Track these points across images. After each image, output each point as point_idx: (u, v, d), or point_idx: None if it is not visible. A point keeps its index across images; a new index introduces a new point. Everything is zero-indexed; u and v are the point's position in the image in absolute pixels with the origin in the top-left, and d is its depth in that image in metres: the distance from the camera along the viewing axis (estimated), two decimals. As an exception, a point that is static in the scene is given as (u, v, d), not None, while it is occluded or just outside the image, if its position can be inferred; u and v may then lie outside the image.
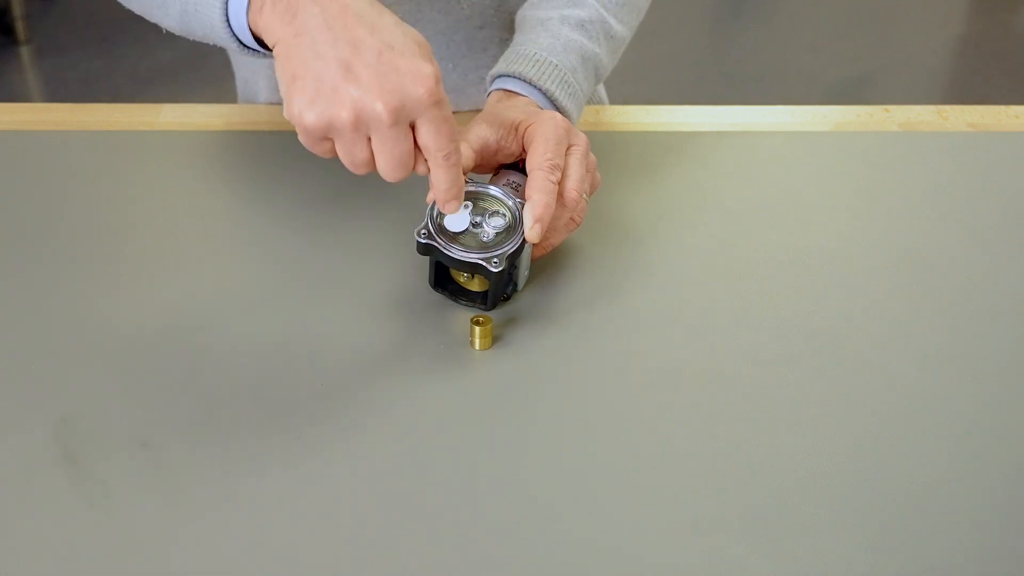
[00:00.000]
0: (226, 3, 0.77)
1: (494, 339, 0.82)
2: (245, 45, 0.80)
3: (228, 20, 0.78)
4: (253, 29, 0.77)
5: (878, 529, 0.69)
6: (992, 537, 0.69)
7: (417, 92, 0.72)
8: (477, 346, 0.81)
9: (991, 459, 0.74)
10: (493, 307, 0.84)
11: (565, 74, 0.90)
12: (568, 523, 0.69)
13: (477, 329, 0.80)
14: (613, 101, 1.20)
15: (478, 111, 0.98)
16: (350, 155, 0.75)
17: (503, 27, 1.06)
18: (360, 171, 0.76)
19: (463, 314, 0.84)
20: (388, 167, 0.74)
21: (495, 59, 1.09)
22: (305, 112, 0.72)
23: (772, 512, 0.70)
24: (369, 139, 0.74)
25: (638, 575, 0.66)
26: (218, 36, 0.80)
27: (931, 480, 0.72)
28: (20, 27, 3.04)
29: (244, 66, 1.16)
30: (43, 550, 0.67)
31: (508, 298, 0.85)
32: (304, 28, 0.72)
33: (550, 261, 0.89)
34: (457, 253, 0.80)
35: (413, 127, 0.74)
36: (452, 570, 0.66)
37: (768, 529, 0.69)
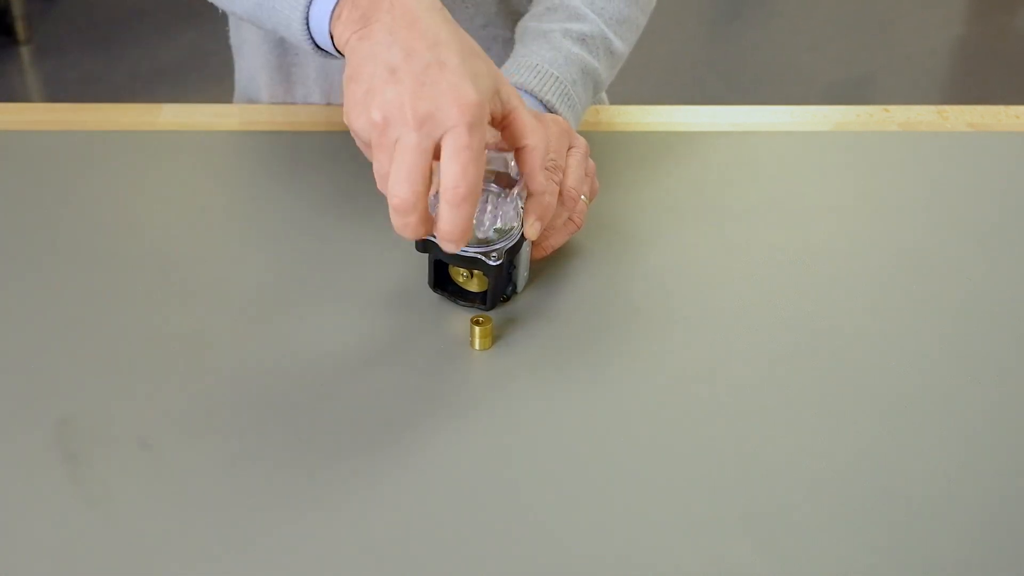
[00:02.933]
0: (308, 8, 0.77)
1: (494, 339, 0.82)
2: (319, 47, 0.80)
3: (308, 24, 0.78)
4: (332, 33, 0.77)
5: (878, 529, 0.69)
6: (993, 537, 0.69)
7: (449, 107, 0.70)
8: (477, 346, 0.81)
9: (991, 459, 0.74)
10: (492, 307, 0.84)
11: (566, 86, 0.91)
12: (568, 523, 0.69)
13: (477, 329, 0.80)
14: (613, 101, 1.20)
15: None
16: (377, 163, 0.73)
17: (506, 26, 1.06)
18: (383, 185, 0.73)
19: (463, 314, 0.84)
20: (397, 176, 0.70)
21: (498, 57, 1.09)
22: (348, 112, 0.73)
23: (772, 512, 0.70)
24: None
25: (639, 574, 0.66)
26: (292, 35, 0.80)
27: (932, 480, 0.72)
28: (20, 27, 3.04)
29: (247, 60, 1.16)
30: (43, 550, 0.67)
31: (507, 299, 0.85)
32: (368, 33, 0.73)
33: (550, 261, 0.89)
34: None
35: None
36: (451, 570, 0.66)
37: (768, 529, 0.69)
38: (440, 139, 0.71)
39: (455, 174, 0.70)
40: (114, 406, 0.76)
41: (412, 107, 0.70)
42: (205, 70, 2.88)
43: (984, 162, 1.03)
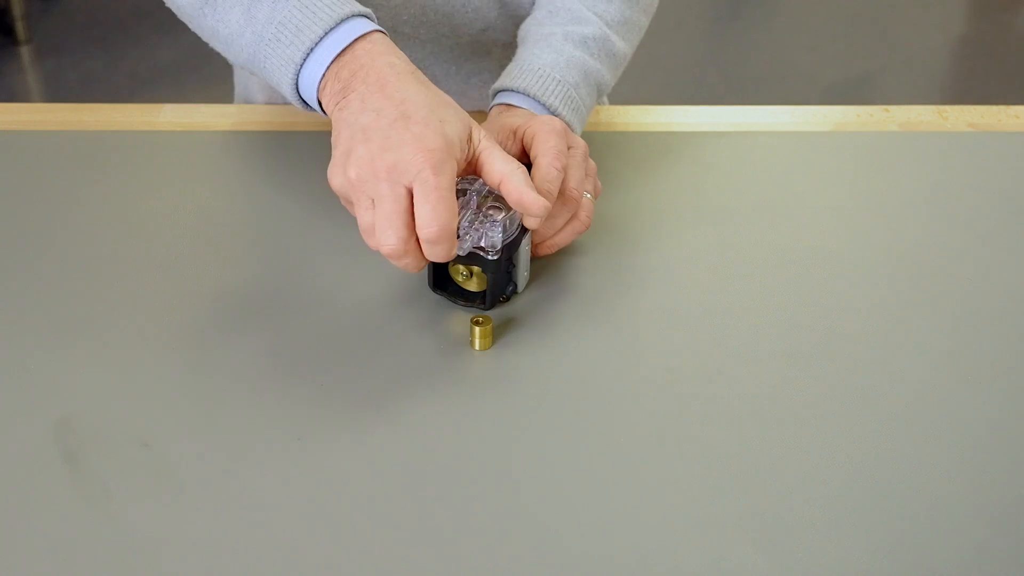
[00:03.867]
0: (296, 75, 0.82)
1: (494, 339, 0.82)
2: (306, 103, 0.85)
3: (297, 88, 0.83)
4: (320, 101, 0.82)
5: (878, 529, 0.69)
6: (993, 537, 0.69)
7: (413, 155, 0.74)
8: (477, 346, 0.81)
9: (991, 458, 0.74)
10: (492, 306, 0.84)
11: (568, 89, 0.91)
12: (568, 523, 0.69)
13: (477, 329, 0.80)
14: (613, 101, 1.20)
15: (479, 112, 0.98)
16: (360, 218, 0.77)
17: (506, 30, 1.07)
18: (369, 240, 0.77)
19: (463, 314, 0.84)
20: (381, 227, 0.75)
21: (498, 62, 1.09)
22: (328, 174, 0.78)
23: (772, 512, 0.70)
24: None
25: (639, 574, 0.67)
26: (284, 94, 0.85)
27: (931, 480, 0.72)
28: (20, 27, 3.04)
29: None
30: (43, 550, 0.67)
31: (508, 299, 0.85)
32: (346, 104, 0.79)
33: (550, 261, 0.89)
34: None
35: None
36: (450, 570, 0.66)
37: (768, 529, 0.69)
38: (411, 185, 0.75)
39: (426, 215, 0.75)
40: (114, 406, 0.76)
41: (380, 160, 0.75)
42: (205, 70, 2.88)
43: (984, 162, 1.03)
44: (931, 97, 2.96)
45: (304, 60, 0.81)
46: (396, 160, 0.75)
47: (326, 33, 0.81)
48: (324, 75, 0.81)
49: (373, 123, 0.76)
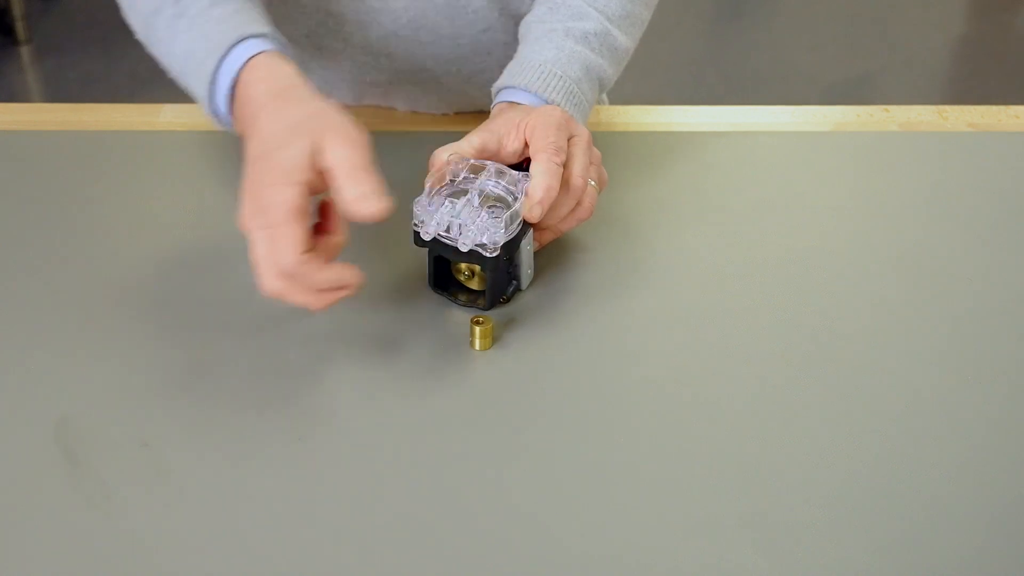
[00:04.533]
0: (213, 108, 0.86)
1: (494, 339, 0.82)
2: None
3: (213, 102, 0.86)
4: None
5: (878, 529, 0.69)
6: (993, 537, 0.69)
7: (249, 205, 0.77)
8: (477, 346, 0.81)
9: (991, 459, 0.74)
10: (492, 306, 0.84)
11: (570, 85, 0.91)
12: (568, 523, 0.69)
13: (477, 329, 0.80)
14: (613, 101, 1.19)
15: (480, 112, 0.98)
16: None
17: (507, 30, 1.06)
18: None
19: (463, 314, 0.84)
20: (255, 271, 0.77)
21: (498, 61, 1.09)
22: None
23: (772, 512, 0.70)
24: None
25: (639, 574, 0.67)
26: (204, 108, 0.87)
27: (931, 480, 0.72)
28: (20, 27, 3.04)
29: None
30: (43, 550, 0.67)
31: (508, 299, 0.85)
32: (247, 136, 0.81)
33: (551, 261, 0.89)
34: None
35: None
36: (450, 570, 0.66)
37: (768, 529, 0.69)
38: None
39: (265, 264, 0.76)
40: (114, 406, 0.76)
41: (242, 209, 0.78)
42: (205, 70, 2.88)
43: (984, 162, 1.03)
44: (931, 97, 2.96)
45: (210, 95, 0.84)
46: (247, 210, 0.77)
47: (216, 67, 0.84)
48: (232, 113, 0.84)
49: (248, 168, 0.79)
